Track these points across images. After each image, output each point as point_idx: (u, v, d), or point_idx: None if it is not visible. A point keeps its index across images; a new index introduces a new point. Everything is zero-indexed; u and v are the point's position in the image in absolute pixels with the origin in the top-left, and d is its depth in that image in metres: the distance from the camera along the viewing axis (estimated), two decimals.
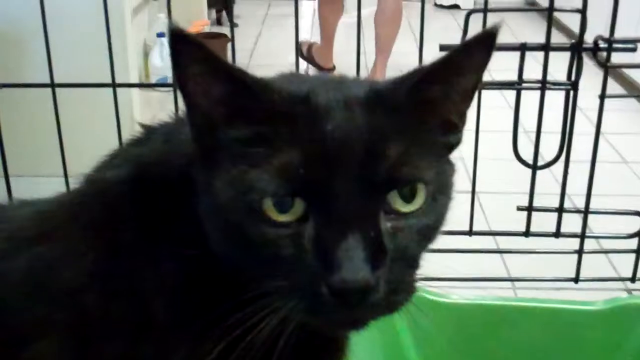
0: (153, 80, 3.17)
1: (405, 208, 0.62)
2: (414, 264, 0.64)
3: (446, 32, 4.13)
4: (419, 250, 0.65)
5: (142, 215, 0.69)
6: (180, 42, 0.59)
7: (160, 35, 3.25)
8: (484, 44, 0.64)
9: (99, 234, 0.70)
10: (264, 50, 4.15)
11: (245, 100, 0.61)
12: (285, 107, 0.61)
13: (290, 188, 0.60)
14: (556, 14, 1.55)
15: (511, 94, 1.65)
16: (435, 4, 5.25)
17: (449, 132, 0.68)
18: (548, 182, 2.08)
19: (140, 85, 2.59)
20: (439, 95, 0.65)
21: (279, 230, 0.60)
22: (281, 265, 0.60)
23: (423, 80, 0.63)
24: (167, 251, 0.67)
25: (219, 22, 4.70)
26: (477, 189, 1.80)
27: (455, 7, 5.16)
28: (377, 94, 0.64)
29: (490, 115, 1.79)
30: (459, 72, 0.65)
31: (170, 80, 1.50)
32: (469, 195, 1.79)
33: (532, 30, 3.69)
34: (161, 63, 3.21)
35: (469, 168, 1.73)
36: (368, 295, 0.58)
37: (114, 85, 1.57)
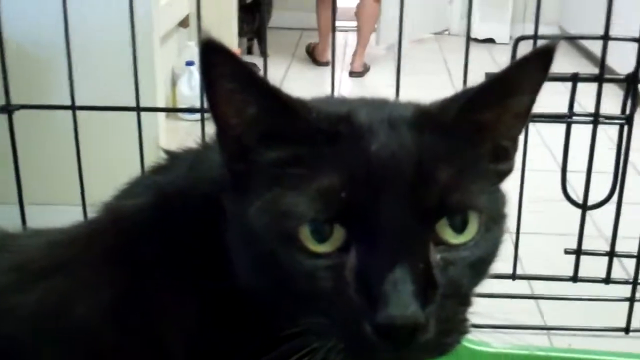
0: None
1: (456, 239, 0.59)
2: (466, 300, 0.61)
3: (481, 66, 4.08)
4: (471, 285, 0.62)
5: (163, 247, 0.66)
6: (213, 54, 0.57)
7: (189, 63, 3.27)
8: (540, 62, 0.61)
9: (115, 266, 0.67)
10: (295, 80, 4.14)
11: (282, 119, 0.59)
12: (325, 125, 0.59)
13: (331, 213, 0.57)
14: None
15: (545, 130, 1.57)
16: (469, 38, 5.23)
17: (500, 158, 0.65)
18: (594, 223, 2.00)
19: (166, 110, 2.55)
20: (490, 118, 0.62)
21: (317, 261, 0.57)
22: (319, 300, 0.57)
23: (474, 100, 0.61)
24: (190, 286, 0.64)
25: (249, 51, 4.73)
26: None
27: (490, 40, 5.14)
28: (424, 114, 0.61)
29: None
30: (512, 92, 0.62)
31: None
32: (510, 236, 1.71)
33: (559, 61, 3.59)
34: (190, 92, 3.22)
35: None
36: (417, 335, 0.55)
37: (138, 109, 1.51)
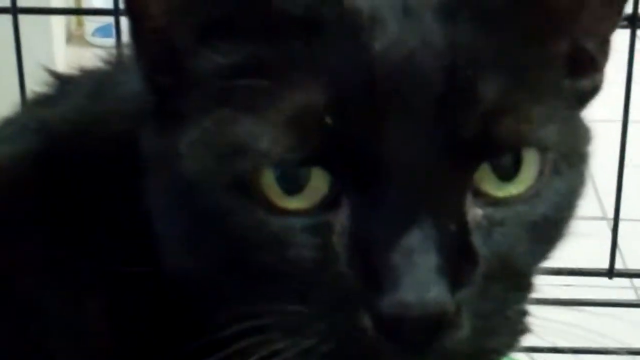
0: (89, 31, 2.43)
1: (507, 189, 0.47)
2: (521, 283, 0.49)
3: None
4: (531, 260, 0.49)
5: (50, 214, 0.54)
6: None
7: None
8: None
9: None
10: None
11: (232, 1, 0.47)
12: (299, 10, 0.46)
13: (310, 150, 0.45)
14: None
15: None
16: None
17: (581, 68, 0.52)
18: None
19: (58, 12, 1.74)
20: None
21: (287, 221, 0.46)
22: (291, 279, 0.46)
23: None
24: (90, 275, 0.52)
25: None
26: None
27: None
28: None
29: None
30: None
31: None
32: (602, 223, 1.51)
33: None
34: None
35: (599, 185, 1.36)
36: (443, 333, 0.44)
37: (15, 9, 1.01)
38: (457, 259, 0.44)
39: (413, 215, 0.44)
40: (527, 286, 0.49)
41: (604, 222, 1.52)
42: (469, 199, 0.46)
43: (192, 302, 0.51)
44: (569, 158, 0.50)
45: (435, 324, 0.43)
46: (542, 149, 0.48)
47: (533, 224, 0.48)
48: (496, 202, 0.47)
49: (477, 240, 0.45)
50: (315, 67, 0.46)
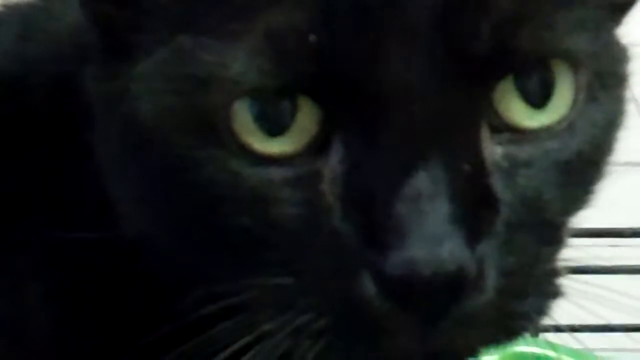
0: None
1: (533, 119, 0.41)
2: (552, 236, 0.42)
3: None
4: (564, 207, 0.43)
5: None
6: None
7: None
8: None
9: None
10: None
11: None
12: None
13: (291, 75, 0.38)
14: None
15: None
16: None
17: None
18: None
19: None
20: None
21: (268, 171, 0.39)
22: (274, 242, 0.40)
23: None
24: (25, 250, 0.46)
25: None
26: None
27: None
28: None
29: None
30: None
31: None
32: None
33: None
34: None
35: None
36: (462, 295, 0.37)
37: None
38: (474, 205, 0.38)
39: (418, 154, 0.37)
40: (559, 240, 0.43)
41: None
42: (486, 134, 0.39)
43: (155, 279, 0.45)
44: (606, 79, 0.43)
45: (453, 284, 0.37)
46: (574, 62, 0.41)
47: (565, 163, 0.41)
48: (520, 139, 0.40)
49: (497, 183, 0.39)
50: None
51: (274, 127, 0.39)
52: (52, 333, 0.47)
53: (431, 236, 0.36)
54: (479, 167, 0.38)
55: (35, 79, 0.48)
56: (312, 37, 0.37)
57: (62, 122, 0.46)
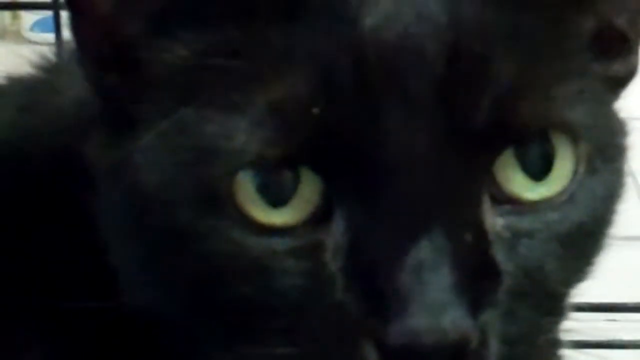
0: (26, 26, 2.19)
1: (534, 191, 0.41)
2: (554, 306, 0.43)
3: None
4: (565, 278, 0.43)
5: None
6: None
7: None
8: None
9: None
10: None
11: None
12: None
13: (294, 147, 0.38)
14: None
15: None
16: None
17: (612, 50, 0.46)
18: None
19: None
20: None
21: (271, 241, 0.39)
22: (276, 316, 0.40)
23: None
24: (25, 319, 0.46)
25: None
26: None
27: None
28: None
29: None
30: None
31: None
32: None
33: None
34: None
35: None
36: None
37: None
38: (476, 275, 0.38)
39: (420, 224, 0.37)
40: (561, 310, 0.43)
41: None
42: (487, 205, 0.40)
43: (157, 347, 0.44)
44: (605, 151, 0.44)
45: (455, 354, 0.37)
46: (573, 134, 0.41)
47: (566, 234, 0.42)
48: (521, 210, 0.41)
49: (498, 253, 0.39)
50: (296, 51, 0.39)
51: (276, 198, 0.39)
52: None
53: (433, 306, 0.36)
54: (481, 238, 0.38)
55: (35, 150, 0.48)
56: (315, 109, 0.37)
57: (63, 193, 0.46)
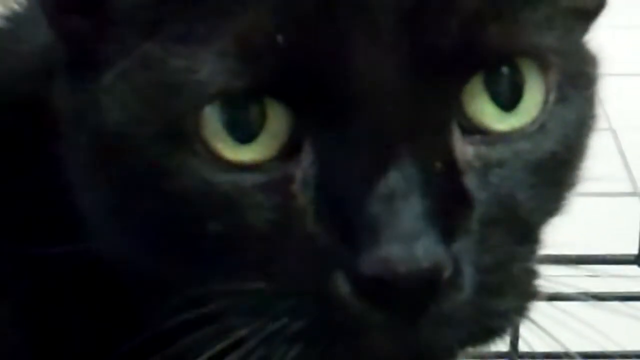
0: None
1: (504, 121, 0.41)
2: (529, 236, 0.43)
3: None
4: (539, 208, 0.43)
5: None
6: None
7: None
8: None
9: None
10: None
11: None
12: None
13: (260, 77, 0.38)
14: None
15: None
16: None
17: None
18: None
19: None
20: None
21: (239, 177, 0.39)
22: (245, 252, 0.40)
23: None
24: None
25: None
26: None
27: None
28: None
29: None
30: None
31: None
32: (633, 200, 1.39)
33: None
34: None
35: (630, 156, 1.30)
36: (440, 294, 0.37)
37: None
38: (448, 202, 0.38)
39: (390, 153, 0.37)
40: (535, 240, 0.43)
41: (635, 199, 1.41)
42: (457, 134, 0.40)
43: (127, 290, 0.44)
44: (575, 79, 0.43)
45: (429, 282, 0.36)
46: (542, 61, 0.41)
47: (538, 163, 0.42)
48: (492, 140, 0.41)
49: (470, 181, 0.39)
50: None
51: (243, 135, 0.39)
52: (24, 348, 0.46)
53: (405, 234, 0.36)
54: (452, 166, 0.39)
55: (4, 99, 0.48)
56: (280, 38, 0.37)
57: (29, 139, 0.46)
